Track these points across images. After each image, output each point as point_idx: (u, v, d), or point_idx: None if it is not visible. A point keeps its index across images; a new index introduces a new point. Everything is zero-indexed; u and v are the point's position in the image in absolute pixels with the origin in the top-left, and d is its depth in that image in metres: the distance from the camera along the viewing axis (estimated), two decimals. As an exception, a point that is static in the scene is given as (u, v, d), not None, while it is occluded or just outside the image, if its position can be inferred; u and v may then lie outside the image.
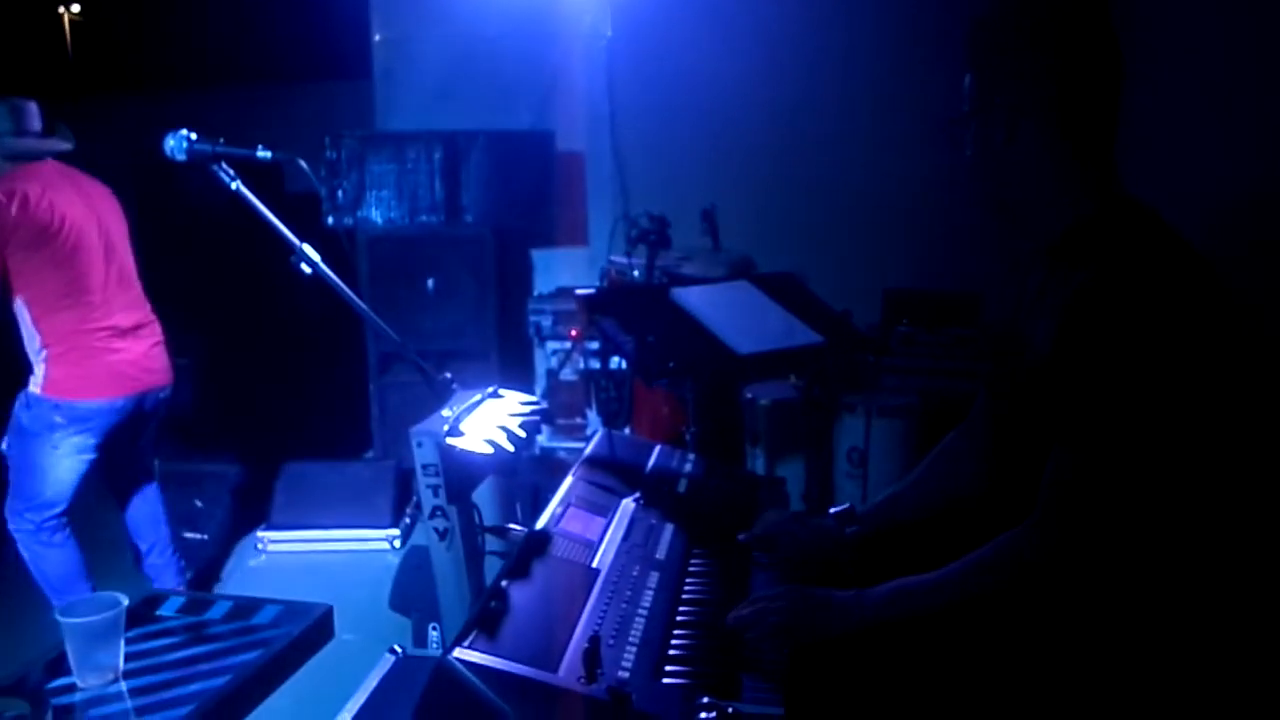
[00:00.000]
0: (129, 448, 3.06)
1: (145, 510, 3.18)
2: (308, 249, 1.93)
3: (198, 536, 4.15)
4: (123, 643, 1.31)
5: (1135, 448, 1.36)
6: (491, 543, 1.80)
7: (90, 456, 2.89)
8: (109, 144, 5.40)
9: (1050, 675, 1.46)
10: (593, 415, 3.52)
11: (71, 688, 1.28)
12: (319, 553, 2.65)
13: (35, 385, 2.84)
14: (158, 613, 1.48)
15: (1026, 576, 1.43)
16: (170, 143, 1.92)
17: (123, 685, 1.29)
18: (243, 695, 1.29)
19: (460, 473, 1.63)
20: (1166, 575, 1.44)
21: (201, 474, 4.18)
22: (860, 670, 1.52)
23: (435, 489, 1.61)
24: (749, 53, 3.99)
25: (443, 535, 1.63)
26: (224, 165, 1.94)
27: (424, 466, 1.60)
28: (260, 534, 2.62)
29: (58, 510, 2.90)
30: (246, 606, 1.50)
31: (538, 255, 4.41)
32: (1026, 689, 1.47)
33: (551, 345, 3.75)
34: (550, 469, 3.08)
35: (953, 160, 1.62)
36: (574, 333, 3.62)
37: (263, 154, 1.98)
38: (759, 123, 4.00)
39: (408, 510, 2.90)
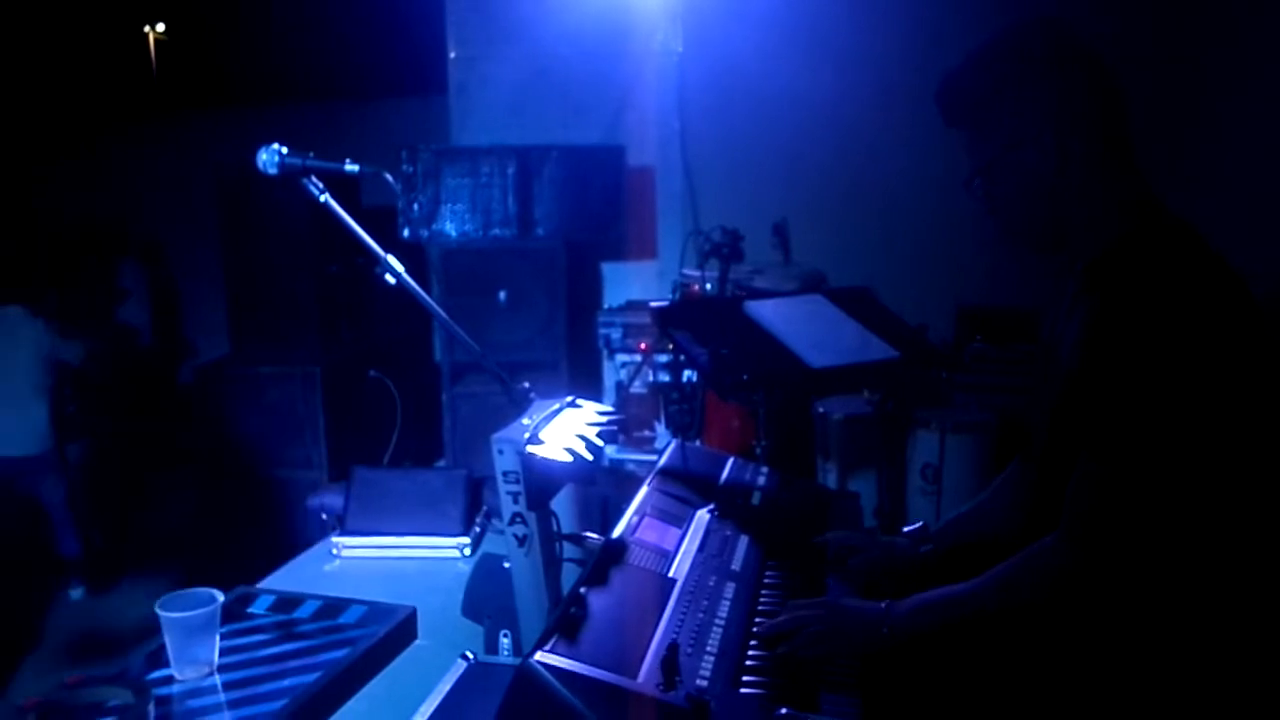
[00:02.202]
0: None
1: None
2: (392, 260, 1.99)
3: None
4: (218, 638, 1.36)
5: (1157, 459, 1.35)
6: (568, 550, 1.82)
7: None
8: (191, 159, 5.59)
9: (1094, 688, 1.45)
10: (661, 428, 3.54)
11: (170, 679, 1.33)
12: (391, 558, 2.68)
13: None
14: (249, 610, 1.53)
15: (1055, 589, 1.43)
16: (263, 156, 1.99)
17: (217, 679, 1.34)
18: (332, 692, 1.33)
19: (540, 480, 1.65)
20: (1195, 588, 1.43)
21: (277, 479, 4.30)
22: (940, 683, 1.52)
23: (515, 496, 1.63)
24: (820, 67, 3.98)
25: (522, 541, 1.66)
26: (313, 179, 2.00)
27: (504, 474, 1.62)
28: (334, 539, 2.67)
29: None
30: (333, 606, 1.54)
31: (607, 269, 4.45)
32: (1076, 705, 1.45)
33: (621, 358, 3.77)
34: (619, 480, 3.10)
35: (981, 209, 1.58)
36: (643, 346, 3.64)
37: (350, 167, 2.04)
38: (830, 137, 4.00)
39: (477, 519, 2.93)
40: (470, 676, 1.66)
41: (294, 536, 4.15)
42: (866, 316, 2.39)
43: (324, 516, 3.37)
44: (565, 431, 1.74)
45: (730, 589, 1.63)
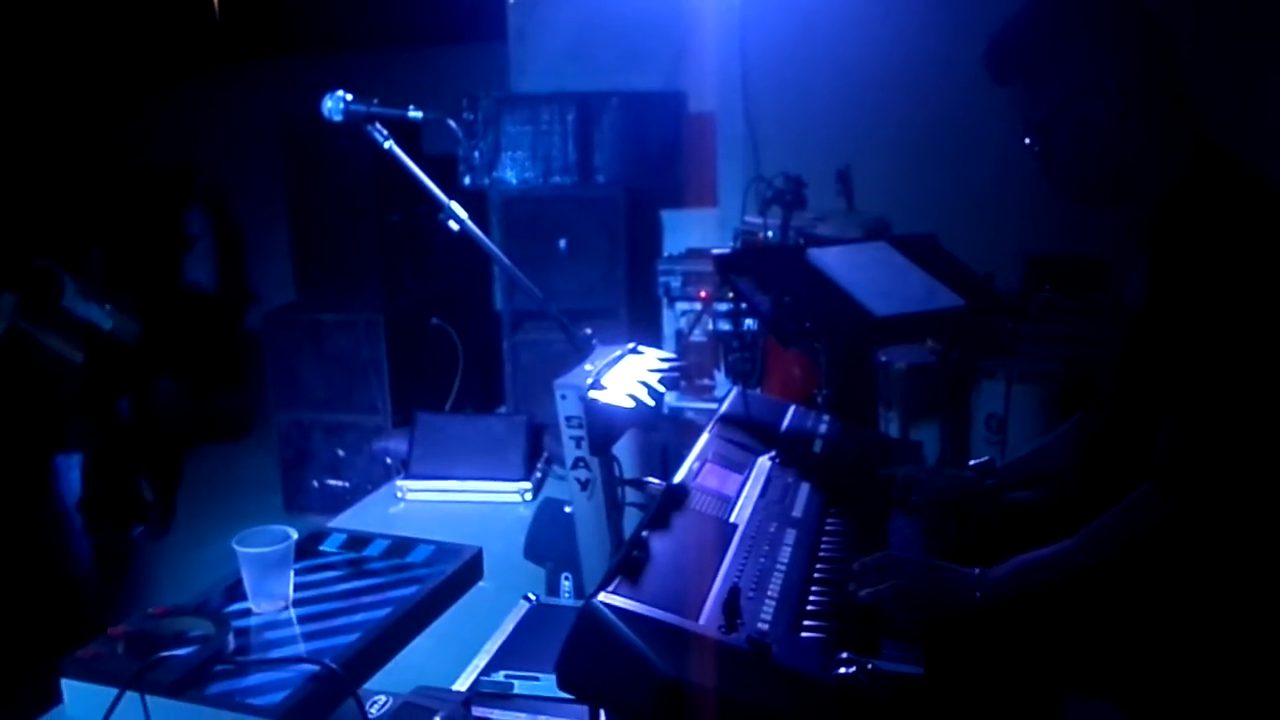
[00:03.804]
0: None
1: None
2: (455, 206, 2.00)
3: (340, 484, 4.36)
4: (292, 573, 1.40)
5: (1240, 399, 1.34)
6: (629, 495, 1.83)
7: None
8: (255, 107, 5.64)
9: (1179, 640, 1.44)
10: (721, 377, 3.53)
11: (247, 612, 1.37)
12: (454, 502, 2.74)
13: None
14: (321, 548, 1.57)
15: (1149, 543, 1.41)
16: (328, 104, 2.00)
17: (292, 612, 1.38)
18: (401, 627, 1.37)
19: (602, 425, 1.66)
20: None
21: (343, 424, 4.39)
22: (1005, 633, 1.51)
23: (578, 440, 1.65)
24: (885, 10, 3.88)
25: (584, 486, 1.68)
26: (377, 125, 2.01)
27: (567, 418, 1.64)
28: (399, 483, 2.73)
29: None
30: (402, 545, 1.57)
31: (667, 216, 4.42)
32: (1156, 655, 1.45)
33: (680, 306, 3.76)
34: (679, 428, 3.11)
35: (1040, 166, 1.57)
36: (703, 294, 3.63)
37: (414, 114, 2.04)
38: (895, 81, 3.90)
39: (538, 464, 2.97)
40: (532, 617, 1.69)
41: (359, 480, 4.24)
42: (932, 264, 2.35)
43: (388, 461, 3.44)
44: (627, 377, 1.75)
45: (791, 535, 1.63)
